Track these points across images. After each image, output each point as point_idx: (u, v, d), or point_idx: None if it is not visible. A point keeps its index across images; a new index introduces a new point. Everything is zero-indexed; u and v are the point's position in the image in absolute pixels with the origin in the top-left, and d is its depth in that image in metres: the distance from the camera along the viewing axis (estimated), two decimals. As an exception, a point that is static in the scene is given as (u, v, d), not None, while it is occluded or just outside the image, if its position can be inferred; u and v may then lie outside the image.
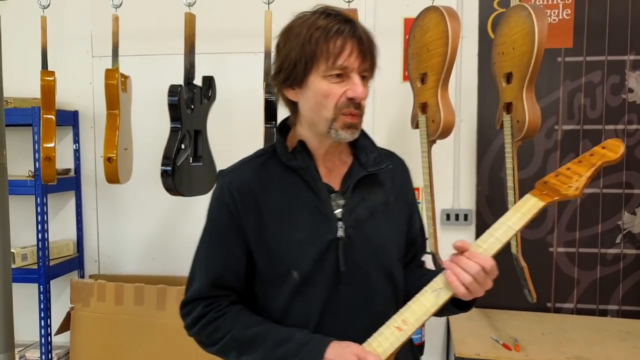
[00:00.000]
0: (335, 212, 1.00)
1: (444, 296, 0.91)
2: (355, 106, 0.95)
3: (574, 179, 0.90)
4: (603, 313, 2.24)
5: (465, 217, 2.24)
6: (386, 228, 1.03)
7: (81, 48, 2.48)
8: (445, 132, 1.60)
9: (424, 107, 1.68)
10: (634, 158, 2.17)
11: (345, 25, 0.92)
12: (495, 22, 2.20)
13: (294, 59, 0.93)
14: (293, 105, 1.01)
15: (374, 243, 1.01)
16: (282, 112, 1.83)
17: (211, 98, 1.88)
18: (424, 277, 0.99)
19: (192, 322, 1.03)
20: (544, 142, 2.22)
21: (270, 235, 0.97)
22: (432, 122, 1.61)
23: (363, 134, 1.05)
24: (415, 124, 1.74)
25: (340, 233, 0.98)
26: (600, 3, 2.15)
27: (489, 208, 2.26)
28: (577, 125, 2.20)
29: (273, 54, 1.73)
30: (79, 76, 2.48)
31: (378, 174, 1.04)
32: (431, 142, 1.66)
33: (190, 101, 1.76)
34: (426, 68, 1.63)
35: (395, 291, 1.04)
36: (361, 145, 1.05)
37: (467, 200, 2.28)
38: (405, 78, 2.28)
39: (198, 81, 1.87)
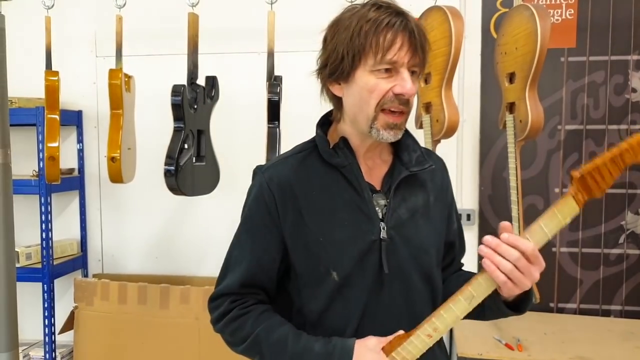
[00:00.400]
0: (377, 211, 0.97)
1: (481, 294, 0.86)
2: (402, 102, 0.91)
3: (606, 179, 0.83)
4: (606, 313, 2.24)
5: (468, 217, 2.24)
6: (426, 230, 1.00)
7: (85, 48, 2.49)
8: (450, 132, 1.60)
9: (427, 107, 1.68)
10: (637, 158, 2.17)
11: (396, 17, 0.88)
12: (498, 22, 2.20)
13: (341, 53, 0.89)
14: (337, 101, 0.97)
15: (415, 245, 0.98)
16: (286, 112, 1.83)
17: (214, 98, 1.89)
18: (462, 279, 0.96)
19: (218, 317, 1.00)
20: (546, 142, 2.22)
21: (309, 235, 0.95)
22: (437, 122, 1.61)
23: (406, 133, 1.01)
24: (419, 124, 1.74)
25: (383, 234, 0.95)
26: (603, 3, 2.14)
27: (492, 208, 2.26)
28: (580, 125, 2.20)
29: (277, 53, 1.73)
30: (82, 76, 2.49)
31: (419, 173, 1.01)
32: (435, 142, 1.66)
33: (194, 101, 1.77)
34: (429, 68, 1.63)
35: (433, 295, 1.01)
36: (404, 143, 1.01)
37: (469, 200, 2.28)
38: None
39: (201, 81, 1.88)
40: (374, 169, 1.01)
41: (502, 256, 0.83)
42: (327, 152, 0.97)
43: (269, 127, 1.73)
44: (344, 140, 0.97)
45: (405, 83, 0.89)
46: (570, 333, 1.99)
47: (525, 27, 1.51)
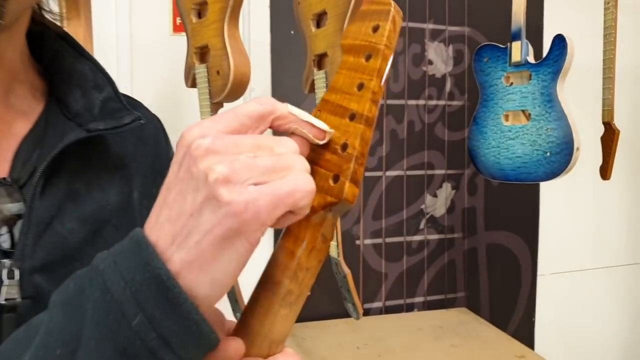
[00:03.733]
0: None
1: None
2: None
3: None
4: (410, 307, 2.05)
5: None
6: None
7: None
8: (238, 90, 1.07)
9: (202, 54, 1.12)
10: (435, 136, 2.00)
11: None
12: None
13: None
14: None
15: None
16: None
17: None
18: None
19: None
20: (347, 118, 1.89)
21: None
22: (217, 75, 1.06)
23: (65, 39, 0.47)
24: (191, 80, 1.17)
25: (11, 291, 0.40)
26: (401, -41, 1.89)
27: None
28: (380, 100, 1.93)
29: None
30: None
31: (110, 139, 0.48)
32: (216, 105, 1.11)
33: None
34: (204, -8, 1.07)
35: None
36: (67, 69, 0.47)
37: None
38: (176, 29, 1.68)
39: None
40: None
41: None
42: None
43: None
44: None
45: None
46: (384, 341, 1.71)
47: (338, -57, 1.07)
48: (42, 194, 0.42)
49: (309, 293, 0.35)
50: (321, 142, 0.36)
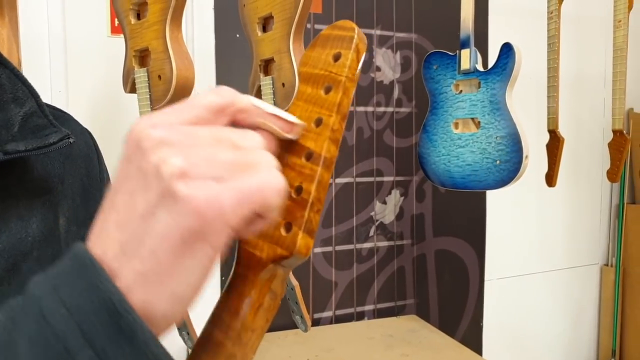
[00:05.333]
0: None
1: None
2: None
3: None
4: (360, 316, 2.03)
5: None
6: None
7: None
8: (181, 95, 1.00)
9: (143, 57, 1.05)
10: (384, 144, 2.00)
11: None
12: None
13: None
14: None
15: None
16: None
17: None
18: None
19: None
20: (296, 124, 1.85)
21: None
22: (159, 79, 0.99)
23: None
24: (130, 85, 1.09)
25: None
26: (348, -35, 1.88)
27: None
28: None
29: None
30: None
31: (31, 162, 0.43)
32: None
33: None
34: (143, -10, 1.00)
35: None
36: None
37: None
38: (113, 30, 1.59)
39: None
40: None
41: None
42: None
43: None
44: None
45: None
46: (334, 352, 1.68)
47: (286, -56, 1.03)
48: None
49: (253, 356, 0.31)
50: (291, 137, 0.32)
